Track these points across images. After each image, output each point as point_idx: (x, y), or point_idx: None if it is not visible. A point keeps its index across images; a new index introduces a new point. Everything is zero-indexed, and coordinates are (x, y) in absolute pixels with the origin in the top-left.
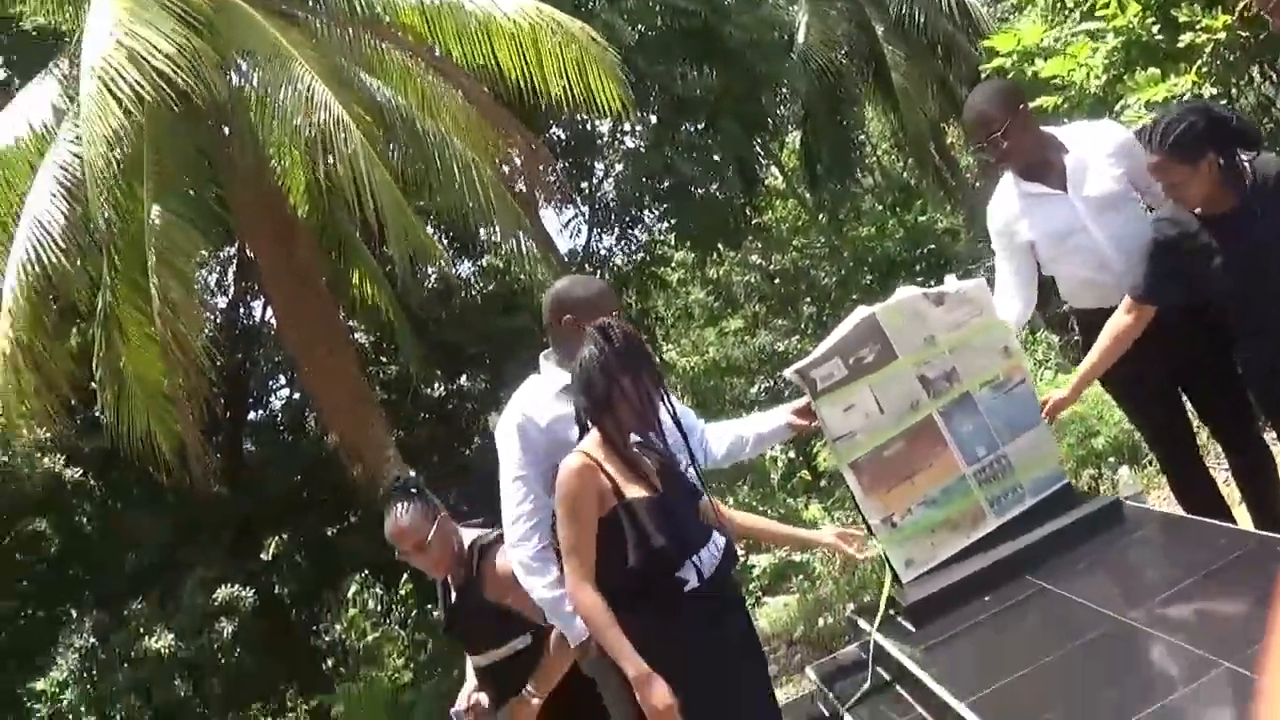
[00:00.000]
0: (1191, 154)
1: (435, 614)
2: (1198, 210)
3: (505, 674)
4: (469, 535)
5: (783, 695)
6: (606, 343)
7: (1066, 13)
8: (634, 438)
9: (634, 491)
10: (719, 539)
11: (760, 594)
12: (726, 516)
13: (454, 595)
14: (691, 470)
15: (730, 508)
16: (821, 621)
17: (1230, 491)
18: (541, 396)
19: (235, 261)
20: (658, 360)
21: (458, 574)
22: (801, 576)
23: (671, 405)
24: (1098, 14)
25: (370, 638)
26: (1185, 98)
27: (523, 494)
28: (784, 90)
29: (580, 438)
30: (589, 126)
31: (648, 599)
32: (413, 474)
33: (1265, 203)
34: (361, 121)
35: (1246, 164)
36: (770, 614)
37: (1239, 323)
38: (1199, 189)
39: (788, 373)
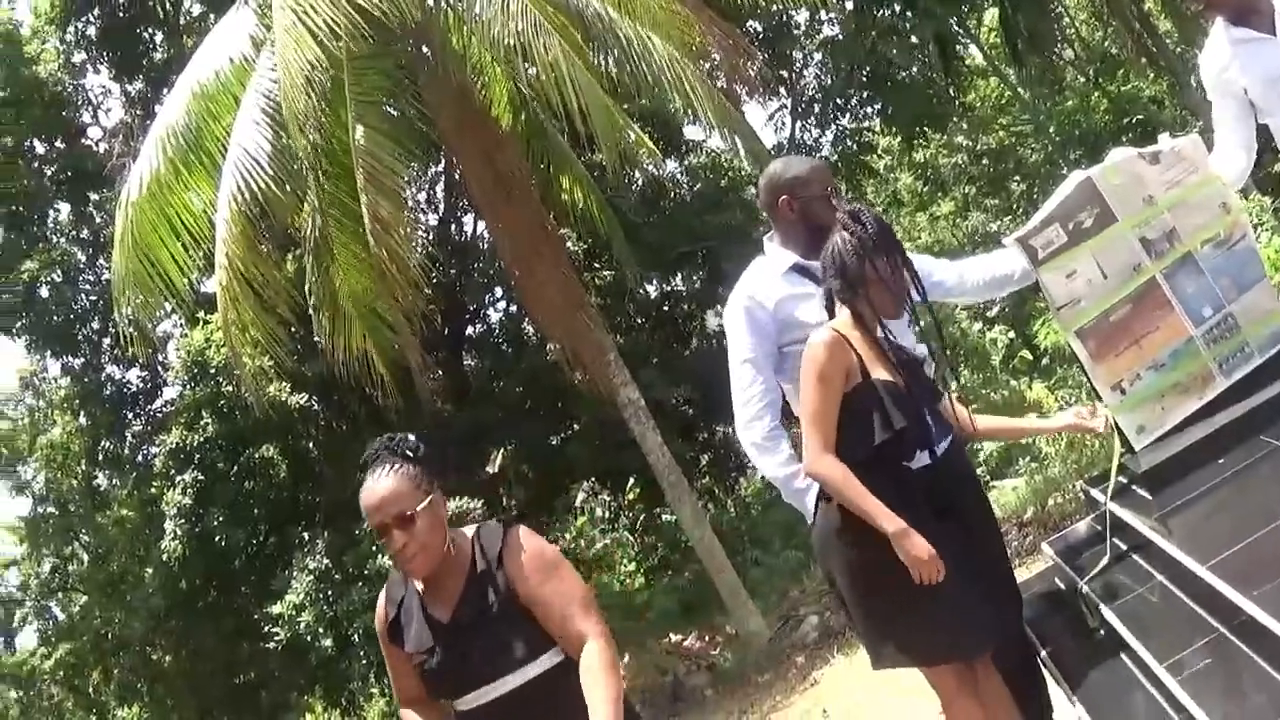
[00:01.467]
0: None
1: (664, 516)
2: None
3: (519, 712)
4: (467, 531)
5: (1020, 575)
6: (859, 225)
7: None
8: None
9: (880, 373)
10: (950, 438)
11: (988, 479)
12: (964, 418)
13: (443, 609)
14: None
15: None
16: (1051, 501)
17: None
18: (767, 278)
19: (444, 178)
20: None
21: (445, 580)
22: (1028, 458)
23: (920, 286)
24: None
25: (600, 545)
26: None
27: (752, 376)
28: None
29: (818, 320)
30: (785, 17)
31: (880, 475)
32: (411, 437)
33: None
34: (560, 27)
35: None
36: (1000, 498)
37: None
38: None
39: (1007, 241)
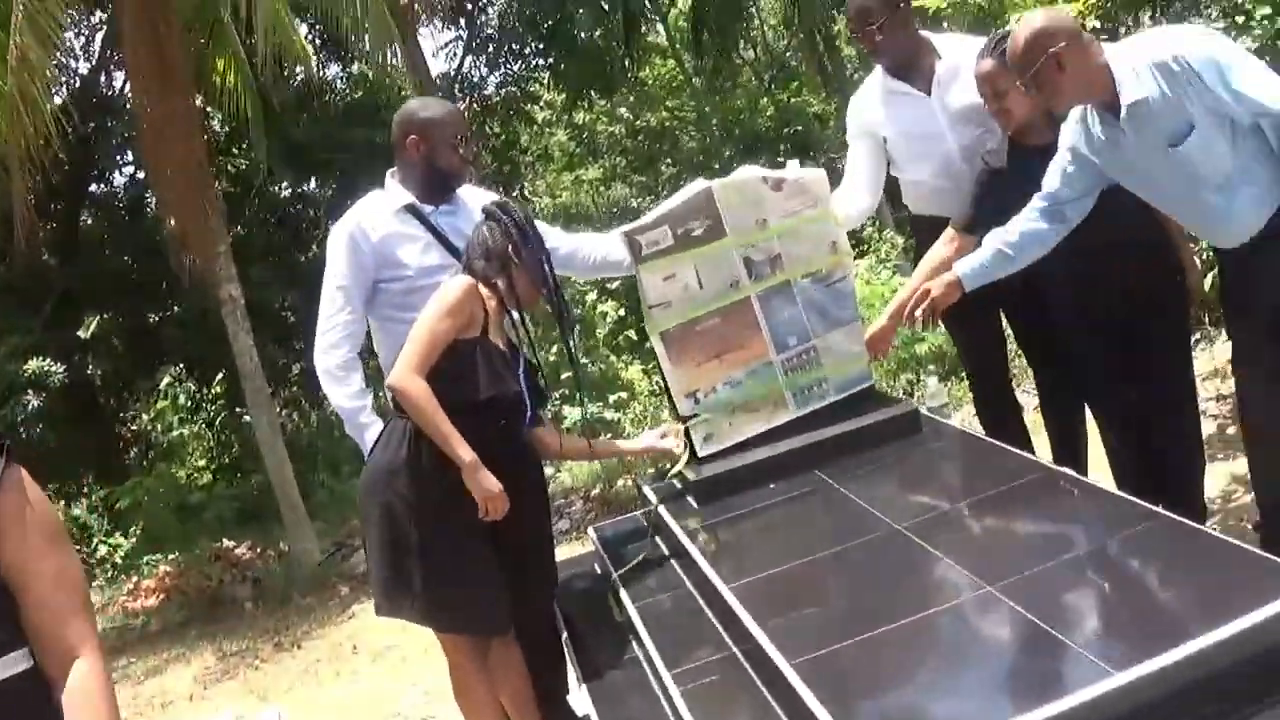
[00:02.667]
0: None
1: (245, 417)
2: (1017, 139)
3: None
4: None
5: (569, 550)
6: (506, 216)
7: None
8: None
9: (497, 339)
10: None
11: None
12: (551, 432)
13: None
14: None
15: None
16: (621, 483)
17: (1038, 420)
18: (379, 211)
19: (105, 30)
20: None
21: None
22: (610, 435)
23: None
24: None
25: (176, 433)
26: None
27: (341, 303)
28: None
29: (419, 265)
30: None
31: (465, 424)
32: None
33: None
34: None
35: None
36: (574, 467)
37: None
38: (1020, 107)
39: (616, 233)
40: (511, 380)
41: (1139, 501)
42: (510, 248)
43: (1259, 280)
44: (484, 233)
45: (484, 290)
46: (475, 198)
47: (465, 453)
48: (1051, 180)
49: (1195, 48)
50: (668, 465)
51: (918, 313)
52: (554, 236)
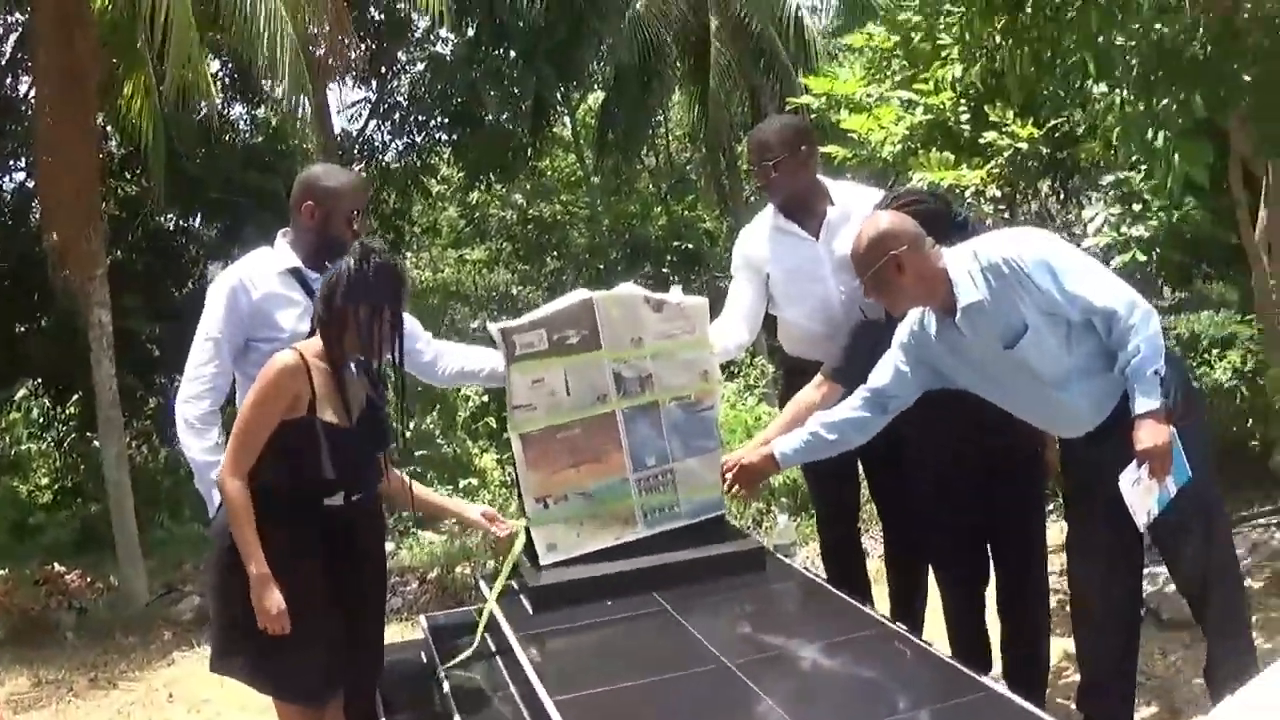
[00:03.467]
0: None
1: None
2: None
3: None
4: None
5: (399, 632)
6: (362, 264)
7: (890, 73)
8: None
9: (328, 414)
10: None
11: (412, 525)
12: (394, 475)
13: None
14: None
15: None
16: (459, 570)
17: (882, 569)
18: (265, 269)
19: (20, 32)
20: (406, 298)
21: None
22: (455, 520)
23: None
24: (915, 86)
25: (24, 446)
26: (970, 191)
27: (210, 354)
28: (604, 49)
29: (292, 331)
30: (407, 18)
31: (295, 508)
32: None
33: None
34: None
35: None
36: (416, 547)
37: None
38: (896, 308)
39: (493, 328)
40: (353, 455)
41: (967, 670)
42: (348, 300)
43: (1097, 470)
44: (336, 275)
45: (314, 352)
46: None
47: (256, 566)
48: (881, 375)
49: (1028, 250)
50: (501, 561)
51: (734, 491)
52: (420, 339)
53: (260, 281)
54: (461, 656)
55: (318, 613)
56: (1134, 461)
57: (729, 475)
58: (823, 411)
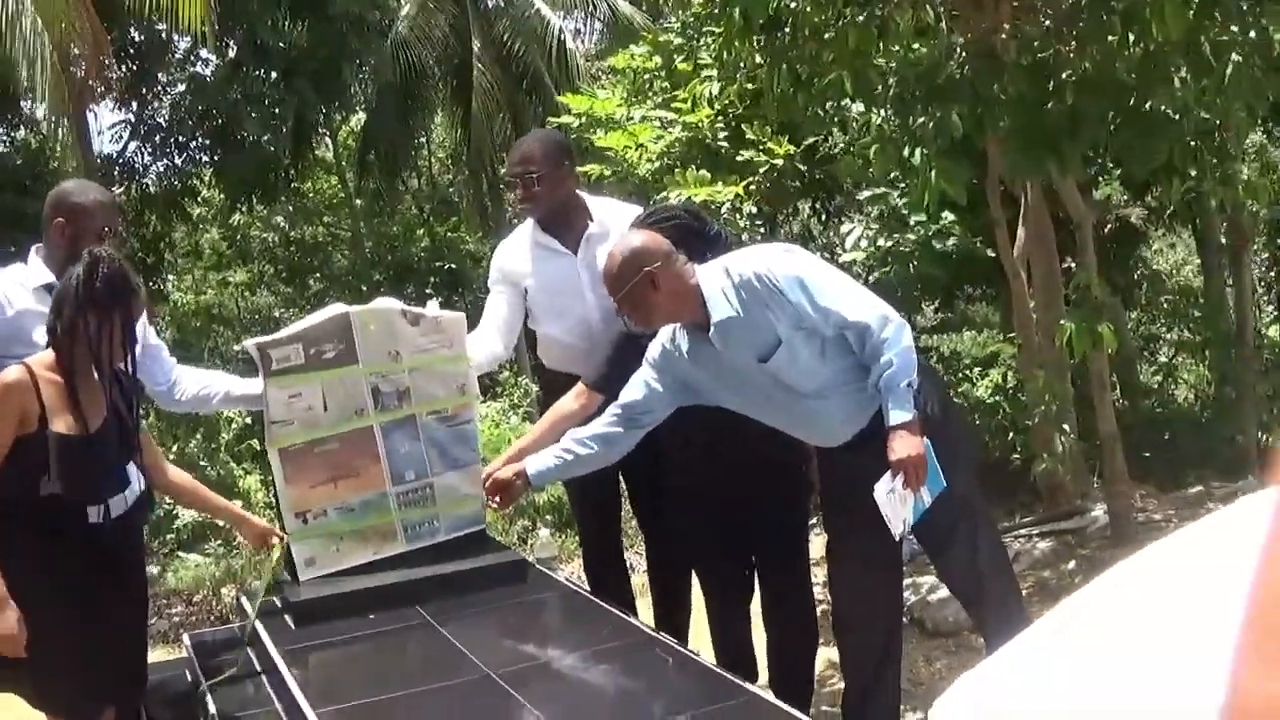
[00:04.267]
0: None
1: None
2: None
3: None
4: None
5: (165, 654)
6: (90, 276)
7: (651, 94)
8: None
9: (61, 425)
10: (137, 488)
11: (177, 547)
12: (160, 468)
13: None
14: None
15: (172, 461)
16: (226, 592)
17: (644, 582)
18: (17, 285)
19: None
20: (142, 301)
21: None
22: (219, 541)
23: (129, 358)
24: (674, 105)
25: None
26: (725, 206)
27: None
28: (366, 70)
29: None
30: (167, 38)
31: (41, 526)
32: None
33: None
34: None
35: None
36: (181, 570)
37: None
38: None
39: (248, 344)
40: (92, 464)
41: (731, 676)
42: (77, 309)
43: (853, 480)
44: (65, 284)
45: (45, 365)
46: None
47: None
48: (632, 391)
49: (780, 265)
50: (266, 583)
51: (491, 501)
52: (168, 367)
53: (14, 298)
54: (226, 674)
55: (75, 630)
56: (888, 472)
57: (489, 493)
58: (575, 429)
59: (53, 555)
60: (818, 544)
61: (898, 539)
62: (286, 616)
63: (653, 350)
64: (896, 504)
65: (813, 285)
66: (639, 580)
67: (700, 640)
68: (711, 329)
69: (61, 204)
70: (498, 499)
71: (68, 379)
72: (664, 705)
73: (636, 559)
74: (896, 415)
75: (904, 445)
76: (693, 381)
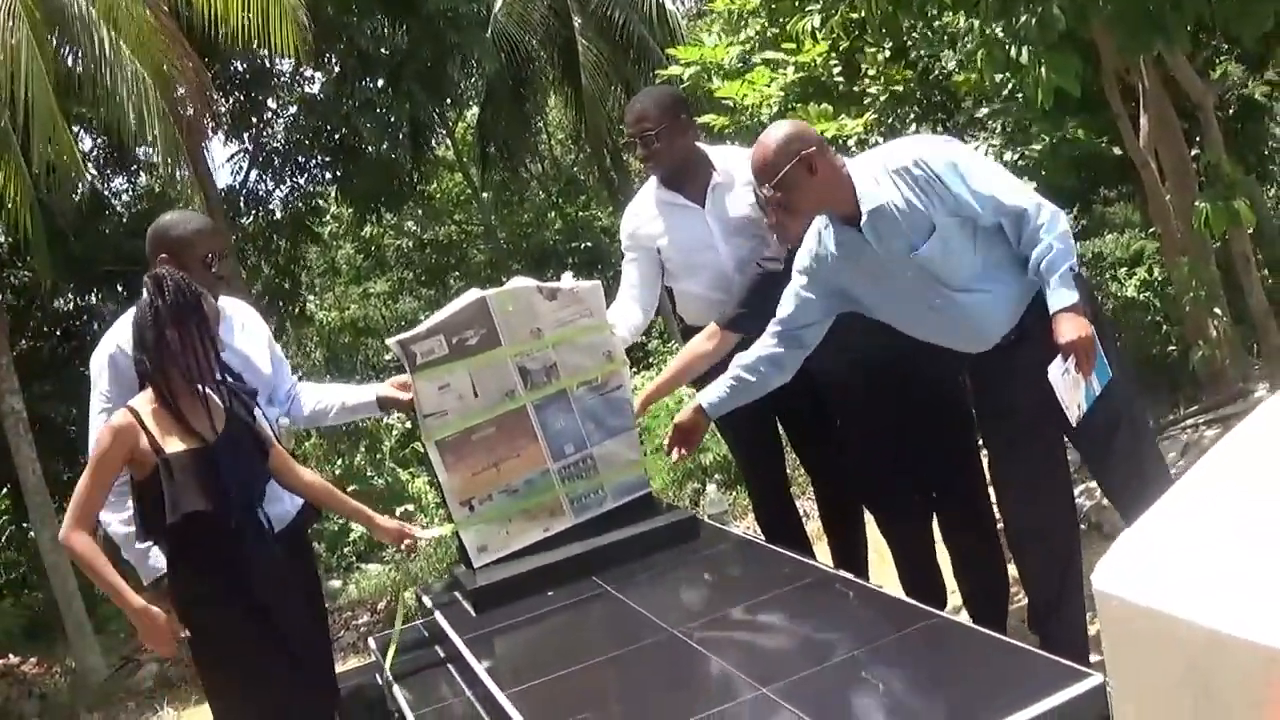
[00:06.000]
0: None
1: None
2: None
3: None
4: None
5: (357, 663)
6: (158, 294)
7: (750, 38)
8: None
9: (175, 446)
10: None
11: (356, 559)
12: (292, 471)
13: None
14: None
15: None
16: (409, 595)
17: (818, 528)
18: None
19: None
20: (215, 315)
21: None
22: (395, 548)
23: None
24: (782, 46)
25: None
26: (852, 141)
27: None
28: (472, 63)
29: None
30: (269, 64)
31: (201, 547)
32: None
33: None
34: (30, 11)
35: None
36: (362, 580)
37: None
38: (797, 226)
39: (390, 342)
40: (221, 470)
41: (915, 602)
42: (159, 331)
43: (1012, 382)
44: (136, 315)
45: (145, 401)
46: (239, 311)
47: (130, 599)
48: (786, 306)
49: (935, 152)
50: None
51: (673, 455)
52: (293, 384)
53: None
54: (414, 669)
55: (256, 646)
56: (1059, 356)
57: (670, 444)
58: (740, 355)
59: (223, 574)
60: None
61: (1074, 424)
62: (466, 604)
63: (801, 259)
64: (1070, 387)
65: (969, 171)
66: (813, 527)
67: (882, 578)
68: (863, 219)
69: (162, 239)
70: (682, 449)
71: (169, 403)
72: (856, 638)
73: (807, 506)
74: (1062, 297)
75: (1073, 327)
76: (844, 284)
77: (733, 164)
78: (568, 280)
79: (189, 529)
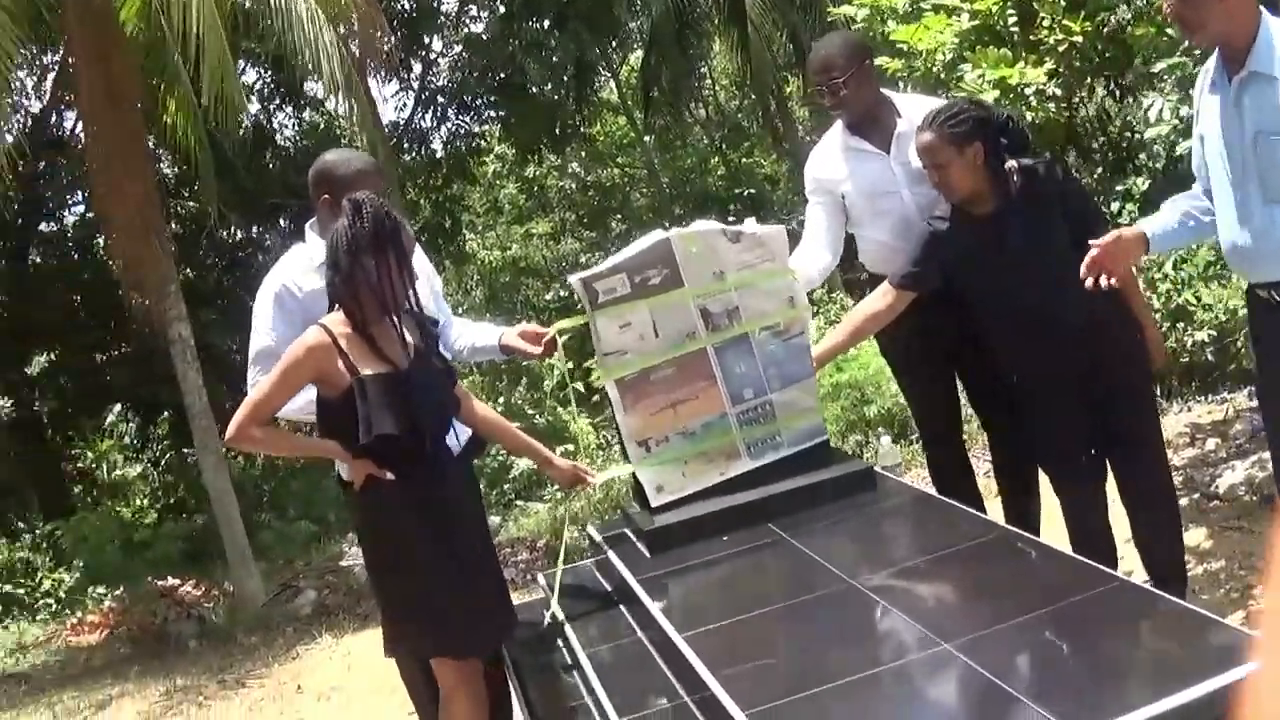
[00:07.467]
0: (960, 138)
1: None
2: (963, 207)
3: None
4: None
5: (515, 599)
6: (356, 219)
7: None
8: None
9: (371, 368)
10: (465, 431)
11: (515, 496)
12: (468, 404)
13: None
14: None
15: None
16: (567, 534)
17: (989, 485)
18: (304, 267)
19: (57, 69)
20: (411, 244)
21: None
22: (555, 487)
23: (412, 296)
24: None
25: (120, 471)
26: (1030, 90)
27: (267, 363)
28: (638, 5)
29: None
30: (435, 2)
31: (395, 465)
32: None
33: (1023, 211)
34: None
35: (1014, 171)
36: (520, 518)
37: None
38: (963, 178)
39: (572, 279)
40: (413, 394)
41: (1096, 564)
42: (353, 257)
43: None
44: (332, 238)
45: (338, 322)
46: None
47: (330, 446)
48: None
49: None
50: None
51: (1097, 278)
52: (450, 319)
53: (303, 280)
54: (587, 607)
55: (448, 566)
56: None
57: (1086, 265)
58: (1184, 198)
59: (411, 498)
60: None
61: None
62: (640, 545)
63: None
64: None
65: None
66: (984, 484)
67: (1051, 536)
68: (1243, 71)
69: (324, 178)
70: (1109, 272)
71: (362, 328)
72: (1034, 599)
73: (976, 461)
74: None
75: None
76: (1200, 125)
77: (918, 113)
78: (750, 224)
79: (380, 451)
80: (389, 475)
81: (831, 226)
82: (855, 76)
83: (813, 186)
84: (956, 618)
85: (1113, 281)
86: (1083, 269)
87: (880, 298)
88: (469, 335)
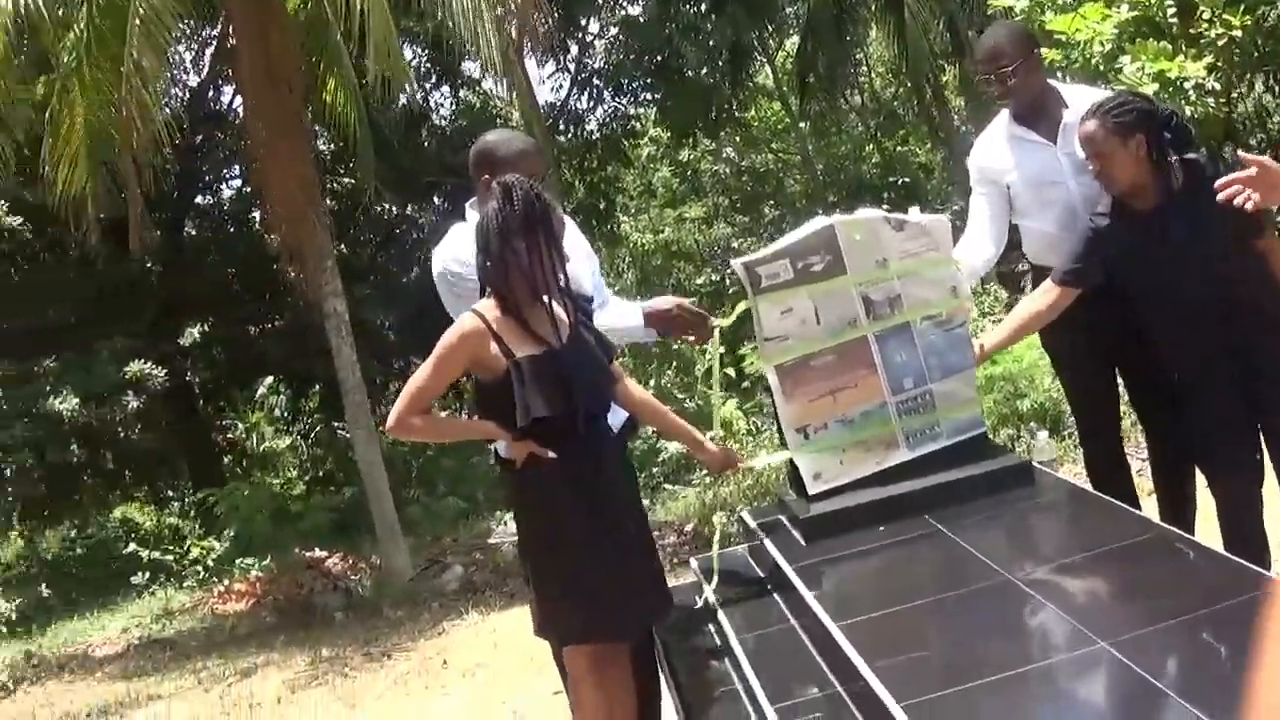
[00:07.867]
0: (1124, 129)
1: (341, 430)
2: (1124, 200)
3: None
4: None
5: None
6: (506, 202)
7: None
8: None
9: (526, 350)
10: (620, 413)
11: (663, 480)
12: (626, 388)
13: None
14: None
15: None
16: (716, 520)
17: (1144, 483)
18: (467, 245)
19: (215, 44)
20: (561, 226)
21: None
22: (705, 471)
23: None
24: None
25: (271, 443)
26: (1189, 84)
27: None
28: None
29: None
30: None
31: (554, 446)
32: None
33: (1186, 206)
34: None
35: (1176, 165)
36: (668, 502)
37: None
38: (1124, 170)
39: (735, 263)
40: (569, 373)
41: (1255, 567)
42: (504, 240)
43: None
44: (482, 221)
45: (490, 307)
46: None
47: (489, 428)
48: None
49: None
50: (772, 502)
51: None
52: (604, 297)
53: (467, 259)
54: (740, 592)
55: (605, 544)
56: None
57: (1230, 187)
58: None
59: (568, 475)
60: None
61: None
62: (795, 532)
63: None
64: None
65: None
66: (1138, 480)
67: (1205, 539)
68: None
69: (484, 159)
70: (1259, 196)
71: (515, 311)
72: (1192, 600)
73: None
74: None
75: None
76: None
77: (1084, 103)
78: (914, 213)
79: (538, 433)
80: (551, 455)
81: (996, 217)
82: (1023, 66)
83: (977, 176)
84: (1112, 616)
85: (1255, 198)
86: (1223, 185)
87: (1043, 295)
88: (605, 319)
